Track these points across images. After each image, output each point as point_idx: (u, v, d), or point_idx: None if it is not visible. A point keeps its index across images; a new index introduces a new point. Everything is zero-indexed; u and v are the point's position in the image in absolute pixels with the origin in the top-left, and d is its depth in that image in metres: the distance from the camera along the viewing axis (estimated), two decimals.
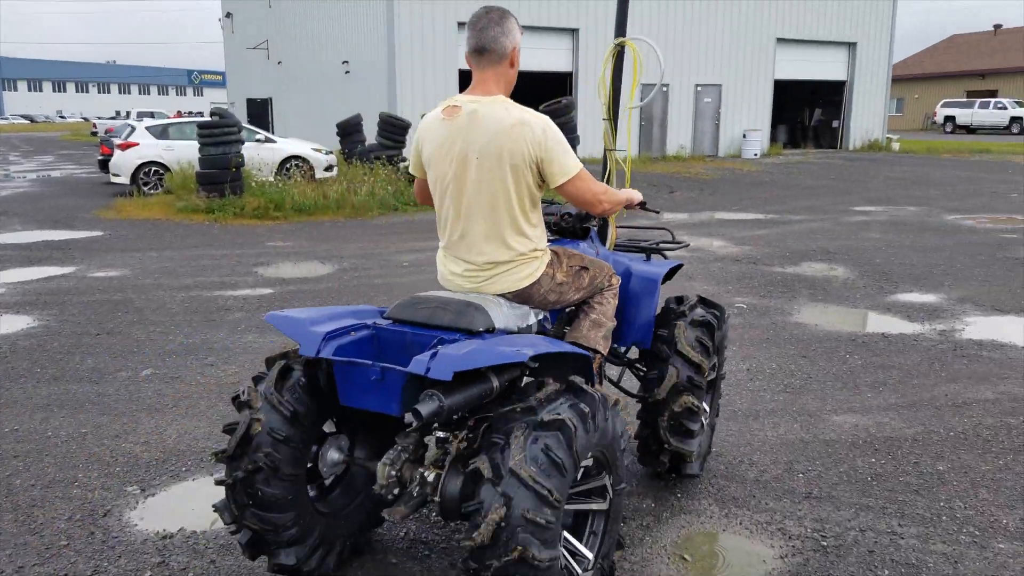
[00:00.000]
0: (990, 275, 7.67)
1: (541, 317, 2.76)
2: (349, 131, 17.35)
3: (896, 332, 5.77)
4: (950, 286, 7.23)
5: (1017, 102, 39.54)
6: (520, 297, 2.63)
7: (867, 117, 27.20)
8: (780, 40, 25.23)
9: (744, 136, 24.59)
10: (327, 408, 2.50)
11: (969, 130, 39.99)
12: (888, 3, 26.78)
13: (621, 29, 3.61)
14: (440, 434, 2.37)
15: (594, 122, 21.78)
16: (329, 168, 15.27)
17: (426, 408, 2.08)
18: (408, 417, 2.08)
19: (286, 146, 15.47)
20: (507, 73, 2.58)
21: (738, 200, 14.41)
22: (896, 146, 27.23)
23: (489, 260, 2.56)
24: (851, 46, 26.54)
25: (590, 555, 2.38)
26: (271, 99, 30.13)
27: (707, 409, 3.29)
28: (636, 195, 2.97)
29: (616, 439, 2.37)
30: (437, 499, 2.28)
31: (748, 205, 13.77)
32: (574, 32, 22.07)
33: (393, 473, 2.30)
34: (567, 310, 2.97)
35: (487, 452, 2.10)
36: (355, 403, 2.37)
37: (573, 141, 15.09)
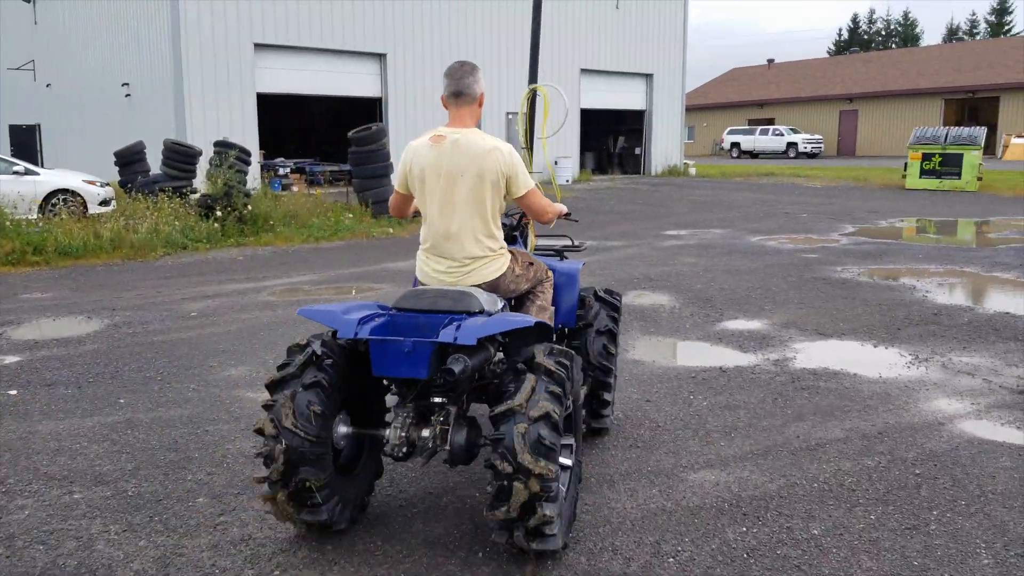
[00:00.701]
0: (804, 297, 7.79)
1: (503, 304, 3.28)
2: (129, 160, 15.54)
3: (733, 365, 5.52)
4: (771, 310, 7.22)
5: (791, 129, 43.69)
6: (490, 287, 3.23)
7: (666, 144, 28.68)
8: (584, 71, 26.01)
9: (556, 163, 24.99)
10: (345, 386, 2.99)
11: (752, 155, 43.60)
12: (680, 39, 28.49)
13: (533, 77, 4.58)
14: (437, 400, 2.99)
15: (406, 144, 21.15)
16: (105, 202, 13.44)
17: (458, 366, 2.70)
18: (447, 369, 2.70)
19: (51, 178, 13.43)
20: (476, 111, 3.29)
21: (556, 227, 14.25)
22: (693, 171, 28.89)
23: (469, 256, 3.18)
24: (648, 77, 27.91)
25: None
26: (39, 126, 26.78)
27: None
28: (564, 208, 3.60)
29: (578, 385, 3.07)
30: (447, 447, 2.92)
31: (567, 232, 13.63)
32: (382, 57, 21.38)
33: (403, 434, 2.95)
34: (512, 300, 3.45)
35: (496, 451, 2.69)
36: (389, 373, 2.90)
37: (387, 169, 14.35)
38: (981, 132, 21.43)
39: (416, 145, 3.29)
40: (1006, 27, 62.12)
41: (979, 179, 21.01)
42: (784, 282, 8.60)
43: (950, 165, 21.26)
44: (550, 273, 3.66)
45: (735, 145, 44.58)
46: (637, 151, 29.01)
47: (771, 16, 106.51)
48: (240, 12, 18.67)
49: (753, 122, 48.60)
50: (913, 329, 6.47)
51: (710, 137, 51.27)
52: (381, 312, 3.02)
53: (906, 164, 22.19)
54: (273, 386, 2.90)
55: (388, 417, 3.17)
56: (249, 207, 12.43)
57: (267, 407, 2.87)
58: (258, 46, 19.18)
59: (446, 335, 2.76)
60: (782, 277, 8.88)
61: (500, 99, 24.10)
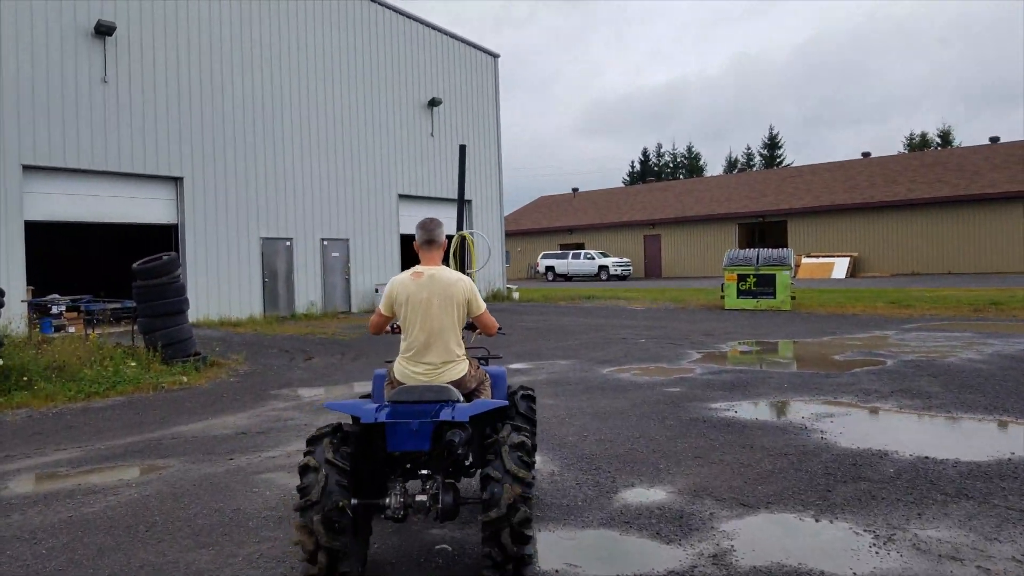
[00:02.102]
0: (697, 449, 6.58)
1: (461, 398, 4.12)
2: None
3: (663, 571, 4.03)
4: (669, 471, 5.90)
5: (601, 253, 45.29)
6: (456, 384, 4.16)
7: (488, 269, 28.08)
8: (403, 196, 25.08)
9: (376, 290, 23.39)
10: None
11: (567, 278, 44.53)
12: (495, 167, 28.58)
13: (460, 225, 5.86)
14: (424, 472, 3.86)
15: (206, 279, 18.60)
16: None
17: (456, 437, 3.72)
18: (447, 441, 3.71)
19: None
20: (441, 252, 4.39)
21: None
22: (516, 295, 28.39)
23: (443, 360, 4.18)
24: (467, 204, 27.49)
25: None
26: None
27: None
28: (498, 325, 4.56)
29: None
30: (439, 507, 3.79)
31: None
32: (178, 181, 19.14)
33: (402, 500, 3.78)
34: (464, 396, 4.24)
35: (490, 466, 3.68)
36: (400, 448, 3.80)
37: (180, 305, 12.07)
38: (789, 253, 22.54)
39: (401, 279, 4.24)
40: (778, 159, 70.08)
41: (793, 298, 21.90)
42: (663, 427, 7.40)
43: (764, 285, 22.06)
44: (487, 375, 4.54)
45: (550, 269, 45.43)
46: None
47: (570, 148, 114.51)
48: (6, 129, 15.98)
49: (564, 246, 50.10)
50: (844, 489, 5.36)
51: (524, 261, 52.16)
52: (387, 405, 3.88)
53: (723, 285, 22.81)
54: (311, 440, 3.76)
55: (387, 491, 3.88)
56: None
57: (308, 453, 3.69)
58: (27, 168, 16.43)
59: (445, 415, 3.75)
60: (658, 420, 7.70)
61: (316, 224, 22.44)
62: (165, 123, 18.69)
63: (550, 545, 4.46)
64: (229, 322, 19.23)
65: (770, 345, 14.32)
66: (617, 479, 5.70)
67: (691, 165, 76.98)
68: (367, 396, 4.63)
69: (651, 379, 10.48)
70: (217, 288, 19.75)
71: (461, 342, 4.29)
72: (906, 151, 58.68)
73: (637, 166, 79.45)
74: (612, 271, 43.26)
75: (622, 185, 69.82)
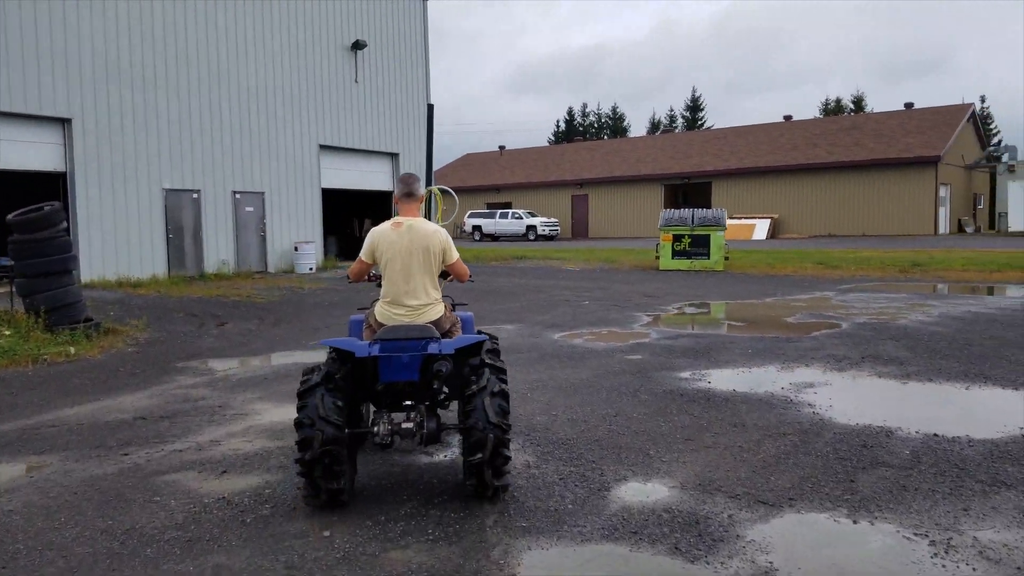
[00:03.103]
0: (683, 430, 5.75)
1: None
2: None
3: None
4: (661, 458, 5.04)
5: (529, 213, 44.36)
6: (434, 324, 4.44)
7: None
8: (324, 147, 23.39)
9: (296, 249, 21.82)
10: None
11: (494, 237, 43.47)
12: (423, 119, 27.07)
13: (428, 181, 6.38)
14: (408, 402, 4.32)
15: (101, 235, 16.71)
16: None
17: (444, 367, 4.15)
18: (436, 370, 4.15)
19: None
20: (419, 205, 4.71)
21: (311, 330, 11.29)
22: None
23: (421, 303, 4.48)
24: (394, 156, 25.99)
25: None
26: None
27: None
28: (468, 272, 4.89)
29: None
30: (424, 432, 4.25)
31: (324, 336, 10.72)
32: (65, 123, 17.04)
33: (389, 427, 4.22)
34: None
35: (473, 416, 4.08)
36: (392, 378, 4.24)
37: (66, 263, 10.50)
38: (723, 213, 22.13)
39: (381, 229, 4.59)
40: (699, 121, 70.40)
41: (726, 258, 21.54)
42: (638, 402, 6.55)
43: (699, 246, 21.61)
44: (458, 318, 4.92)
45: (477, 228, 44.27)
46: None
47: (495, 106, 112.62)
48: None
49: (491, 205, 48.92)
50: (867, 479, 4.61)
51: (450, 219, 50.75)
52: (376, 341, 4.20)
53: (658, 246, 22.27)
54: (303, 393, 4.07)
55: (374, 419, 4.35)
56: None
57: (301, 408, 4.02)
58: None
59: (432, 348, 4.18)
60: (630, 394, 6.85)
61: (227, 175, 20.63)
62: (49, 55, 16.49)
63: (548, 569, 3.51)
64: (128, 282, 17.41)
65: (716, 308, 13.74)
66: (605, 471, 4.79)
67: (615, 126, 76.63)
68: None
69: (607, 345, 9.65)
70: (114, 245, 17.84)
71: (438, 286, 4.61)
72: (822, 116, 59.72)
73: (563, 125, 78.56)
74: (540, 231, 42.43)
75: (548, 144, 68.83)
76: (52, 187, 17.68)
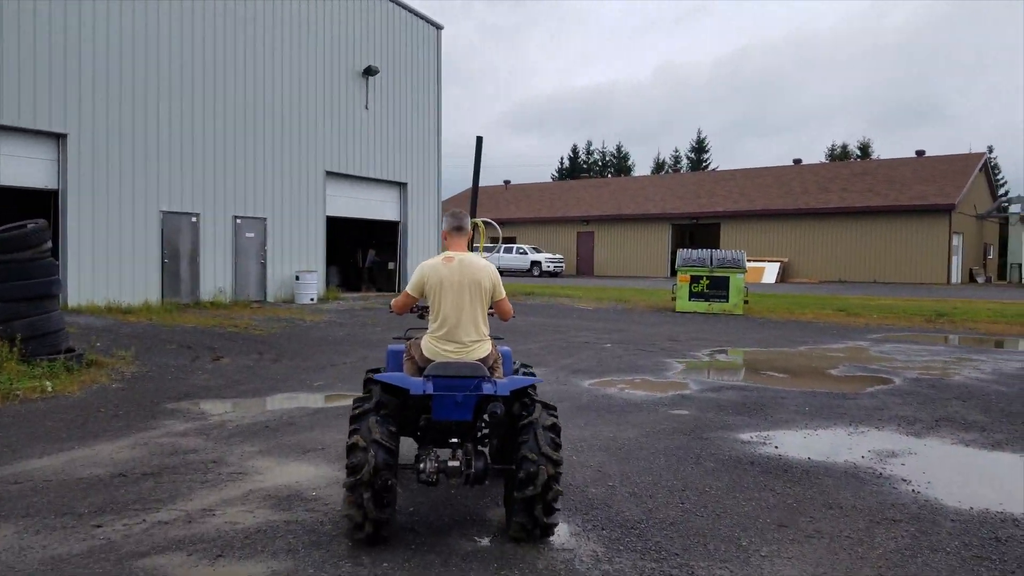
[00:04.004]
0: (772, 511, 4.80)
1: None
2: None
3: None
4: (762, 553, 4.10)
5: (534, 248, 43.62)
6: (482, 362, 4.36)
7: (422, 258, 25.83)
8: (330, 174, 22.60)
9: (297, 278, 20.90)
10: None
11: (500, 273, 42.61)
12: (434, 148, 26.39)
13: (473, 212, 5.79)
14: (454, 440, 4.17)
15: (92, 257, 15.80)
16: None
17: (499, 409, 4.04)
18: (491, 411, 4.04)
19: None
20: (467, 239, 4.69)
21: (315, 368, 10.34)
22: None
23: (472, 339, 4.38)
24: (402, 186, 25.23)
25: None
26: None
27: None
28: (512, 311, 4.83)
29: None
30: (472, 471, 4.10)
31: (331, 377, 9.78)
32: (60, 138, 16.23)
33: (436, 465, 4.08)
34: None
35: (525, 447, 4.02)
36: (444, 417, 4.13)
37: (50, 287, 9.59)
38: (743, 255, 21.34)
39: (432, 264, 4.47)
40: (704, 163, 70.09)
41: (746, 302, 20.69)
42: (704, 471, 5.61)
43: (717, 288, 20.76)
44: (500, 354, 4.71)
45: None
46: (391, 265, 25.85)
47: (498, 142, 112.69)
48: None
49: (495, 240, 48.16)
50: None
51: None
52: (429, 378, 4.10)
53: (675, 287, 21.42)
54: (355, 418, 4.06)
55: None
56: None
57: (354, 431, 3.99)
58: None
59: (488, 389, 4.06)
60: (693, 461, 5.91)
61: (228, 199, 19.79)
62: (47, 66, 15.72)
63: None
64: (119, 308, 16.44)
65: (750, 355, 12.82)
66: (696, 569, 3.84)
67: (620, 164, 76.25)
68: (375, 371, 4.93)
69: (646, 396, 8.72)
70: (106, 268, 16.90)
71: (487, 323, 4.51)
72: (828, 161, 59.44)
73: (567, 162, 78.26)
74: (545, 267, 41.63)
75: (552, 181, 68.44)
76: (44, 205, 16.81)
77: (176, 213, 18.40)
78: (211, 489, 5.11)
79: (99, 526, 4.36)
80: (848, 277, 38.06)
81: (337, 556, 3.96)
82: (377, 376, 4.25)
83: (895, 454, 6.24)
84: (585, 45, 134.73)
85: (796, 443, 6.58)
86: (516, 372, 4.90)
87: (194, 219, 18.83)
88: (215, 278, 19.28)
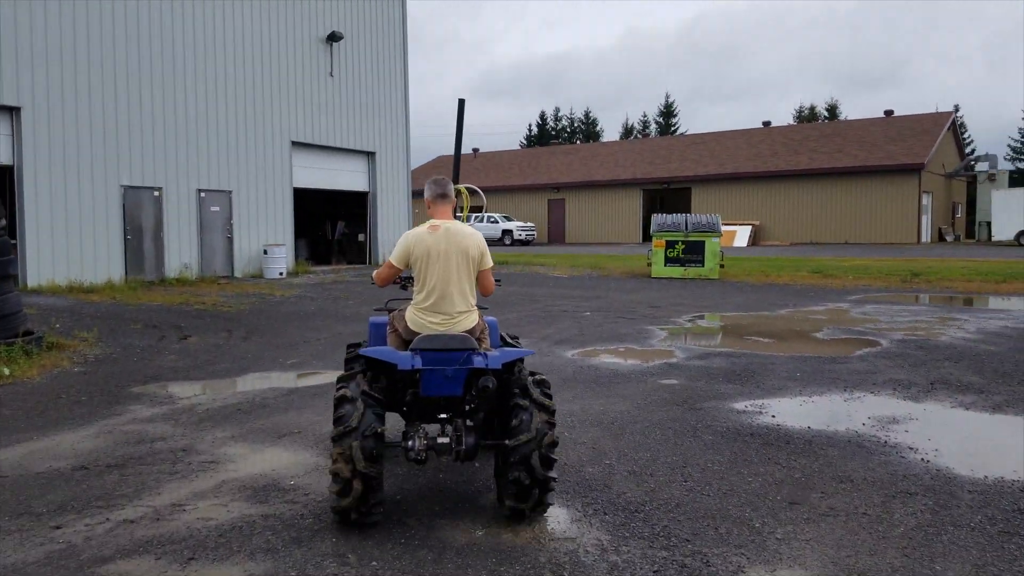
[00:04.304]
0: (782, 486, 4.57)
1: None
2: None
3: None
4: (777, 536, 3.85)
5: (505, 216, 43.17)
6: (469, 333, 4.19)
7: (392, 229, 25.35)
8: (296, 144, 21.91)
9: (265, 252, 20.31)
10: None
11: None
12: (402, 115, 25.72)
13: (456, 179, 5.57)
14: (443, 416, 4.12)
15: (51, 235, 15.19)
16: None
17: (490, 383, 3.84)
18: (482, 386, 3.84)
19: None
20: (451, 207, 4.46)
21: (287, 345, 9.94)
22: None
23: (458, 310, 4.19)
24: (371, 156, 24.59)
25: None
26: None
27: None
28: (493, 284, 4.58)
29: None
30: (462, 448, 3.97)
31: (305, 354, 9.39)
32: (14, 112, 15.43)
33: (425, 442, 3.96)
34: None
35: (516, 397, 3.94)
36: (434, 392, 3.96)
37: (3, 267, 9.05)
38: (718, 219, 21.15)
39: (417, 233, 4.26)
40: (673, 127, 69.80)
41: (721, 266, 20.55)
42: (703, 445, 5.37)
43: (693, 253, 20.59)
44: (486, 324, 4.51)
45: None
46: (361, 237, 25.31)
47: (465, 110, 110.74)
48: None
49: None
50: None
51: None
52: (416, 352, 3.91)
53: (650, 252, 21.20)
54: (343, 379, 3.97)
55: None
56: None
57: (341, 388, 3.89)
58: None
59: (478, 362, 3.89)
60: (690, 434, 5.66)
61: (191, 172, 19.09)
62: None
63: None
64: (80, 288, 15.81)
65: (732, 320, 12.64)
66: (710, 557, 3.57)
67: (588, 131, 75.70)
68: (355, 345, 4.91)
69: (632, 366, 8.47)
70: (66, 246, 16.22)
71: (475, 293, 4.34)
72: (795, 123, 59.47)
73: (535, 129, 77.47)
74: (516, 236, 41.29)
75: (521, 148, 67.73)
76: (1, 182, 16.07)
77: (137, 188, 17.70)
78: (181, 481, 4.75)
79: (59, 527, 3.99)
80: (819, 239, 38.24)
81: (320, 554, 3.63)
82: (362, 351, 4.05)
83: (896, 420, 6.05)
84: (547, 11, 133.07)
85: (793, 411, 6.37)
86: (504, 343, 4.71)
87: (156, 193, 18.14)
88: (180, 254, 18.66)
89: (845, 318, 12.50)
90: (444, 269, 4.16)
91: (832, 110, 63.82)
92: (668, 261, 20.75)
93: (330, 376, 7.96)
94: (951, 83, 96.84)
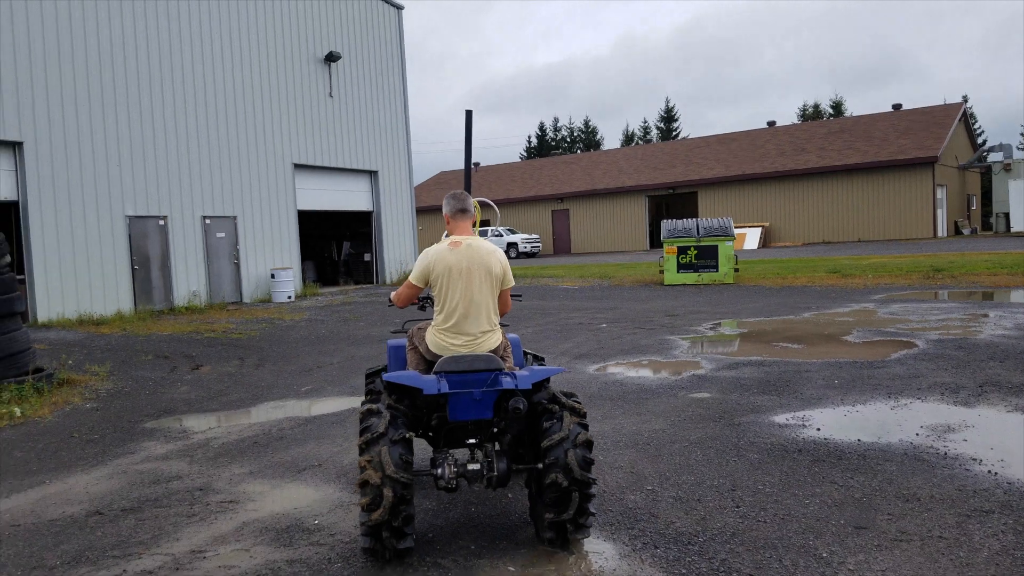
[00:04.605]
0: (843, 508, 4.25)
1: None
2: None
3: None
4: (849, 567, 3.53)
5: (509, 229, 42.95)
6: (494, 352, 4.05)
7: (399, 248, 25.15)
8: (299, 166, 21.73)
9: (273, 276, 20.09)
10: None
11: None
12: (402, 132, 25.54)
13: (467, 191, 4.97)
14: (471, 441, 3.91)
15: (59, 269, 14.99)
16: None
17: (521, 404, 3.60)
18: (512, 407, 3.60)
19: None
20: (471, 222, 4.24)
21: (302, 371, 9.66)
22: None
23: (482, 330, 4.03)
24: (373, 175, 24.40)
25: None
26: None
27: None
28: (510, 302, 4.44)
29: None
30: (494, 475, 3.76)
31: (319, 379, 9.11)
32: (16, 147, 15.30)
33: (455, 469, 3.77)
34: None
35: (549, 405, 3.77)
36: (462, 417, 3.75)
37: (12, 304, 8.85)
38: (730, 222, 20.82)
39: (437, 250, 4.07)
40: (674, 132, 69.57)
41: (736, 270, 20.22)
42: (751, 466, 5.05)
43: (706, 257, 20.26)
44: (509, 342, 4.37)
45: None
46: (367, 257, 25.09)
47: (460, 125, 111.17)
48: None
49: None
50: None
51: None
52: (442, 375, 3.75)
53: (662, 259, 20.88)
54: (366, 444, 3.57)
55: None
56: None
57: (368, 402, 3.83)
58: None
59: (507, 383, 3.66)
60: (733, 453, 5.34)
61: (195, 199, 18.91)
62: None
63: None
64: (91, 320, 15.60)
65: (755, 326, 12.30)
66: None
67: (588, 139, 75.56)
68: (374, 373, 4.63)
69: (659, 379, 8.16)
70: (74, 279, 16.02)
71: (498, 311, 4.19)
72: (800, 122, 59.17)
73: (534, 141, 77.37)
74: (522, 248, 41.05)
75: (521, 160, 67.60)
76: (4, 218, 15.89)
77: (143, 217, 17.52)
78: (200, 524, 4.47)
79: None
80: (832, 238, 37.84)
81: None
82: (386, 376, 3.80)
83: (951, 428, 5.72)
84: (543, 23, 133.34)
85: (838, 423, 6.05)
86: (527, 362, 4.64)
87: (162, 222, 17.96)
88: (188, 282, 18.45)
89: (873, 319, 12.16)
90: (466, 287, 4.00)
91: (837, 107, 63.51)
92: (681, 267, 20.42)
93: (346, 403, 7.68)
94: (956, 75, 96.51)
